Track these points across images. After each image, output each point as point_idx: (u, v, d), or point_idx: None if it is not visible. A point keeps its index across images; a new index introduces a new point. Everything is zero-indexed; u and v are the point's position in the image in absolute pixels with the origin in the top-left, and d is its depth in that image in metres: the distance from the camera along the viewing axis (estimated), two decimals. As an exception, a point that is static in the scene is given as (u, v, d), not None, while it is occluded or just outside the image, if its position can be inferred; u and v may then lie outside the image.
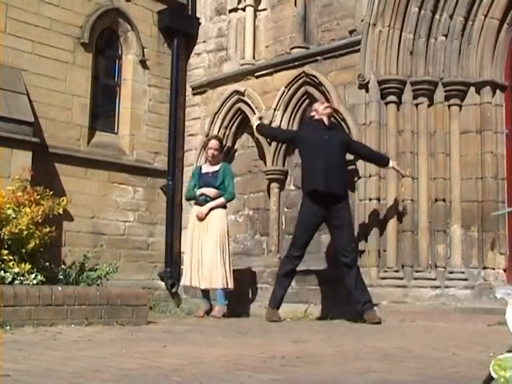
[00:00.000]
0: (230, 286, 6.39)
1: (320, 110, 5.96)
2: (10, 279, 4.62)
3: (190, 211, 6.78)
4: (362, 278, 5.79)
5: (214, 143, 6.73)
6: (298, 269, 6.69)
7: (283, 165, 7.14)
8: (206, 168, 6.73)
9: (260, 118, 6.73)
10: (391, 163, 6.04)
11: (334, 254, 6.01)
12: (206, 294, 6.60)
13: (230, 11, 7.87)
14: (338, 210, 5.76)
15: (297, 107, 7.06)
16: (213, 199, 6.48)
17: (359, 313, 5.65)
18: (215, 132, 7.68)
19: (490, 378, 1.06)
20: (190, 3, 8.22)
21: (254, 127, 6.71)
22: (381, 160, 6.08)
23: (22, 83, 6.53)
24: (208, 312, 6.49)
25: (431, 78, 6.34)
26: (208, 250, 6.37)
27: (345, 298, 6.13)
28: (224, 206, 6.59)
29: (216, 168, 6.64)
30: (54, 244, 5.84)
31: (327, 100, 6.59)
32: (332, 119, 6.11)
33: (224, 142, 7.64)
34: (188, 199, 6.96)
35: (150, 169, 7.79)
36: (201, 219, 6.45)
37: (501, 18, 6.34)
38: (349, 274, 5.72)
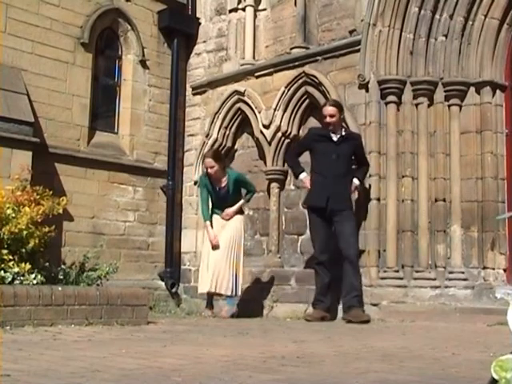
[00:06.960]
0: (239, 293, 6.40)
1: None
2: (9, 279, 4.62)
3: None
4: (356, 279, 5.86)
5: (208, 162, 6.47)
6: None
7: (283, 165, 7.13)
8: (216, 182, 6.52)
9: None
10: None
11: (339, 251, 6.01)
12: (210, 296, 6.55)
13: (230, 11, 7.88)
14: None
15: (297, 107, 7.05)
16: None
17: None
18: (215, 132, 7.68)
19: (493, 381, 1.05)
20: (190, 3, 8.22)
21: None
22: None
23: (22, 83, 6.53)
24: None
25: (431, 78, 6.34)
26: (218, 254, 6.31)
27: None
28: (241, 212, 6.63)
29: (224, 182, 6.49)
30: (54, 244, 5.84)
31: (327, 99, 6.59)
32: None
33: (224, 142, 7.64)
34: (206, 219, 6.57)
35: (150, 169, 7.79)
36: (224, 219, 6.46)
37: (501, 18, 6.34)
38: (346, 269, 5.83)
